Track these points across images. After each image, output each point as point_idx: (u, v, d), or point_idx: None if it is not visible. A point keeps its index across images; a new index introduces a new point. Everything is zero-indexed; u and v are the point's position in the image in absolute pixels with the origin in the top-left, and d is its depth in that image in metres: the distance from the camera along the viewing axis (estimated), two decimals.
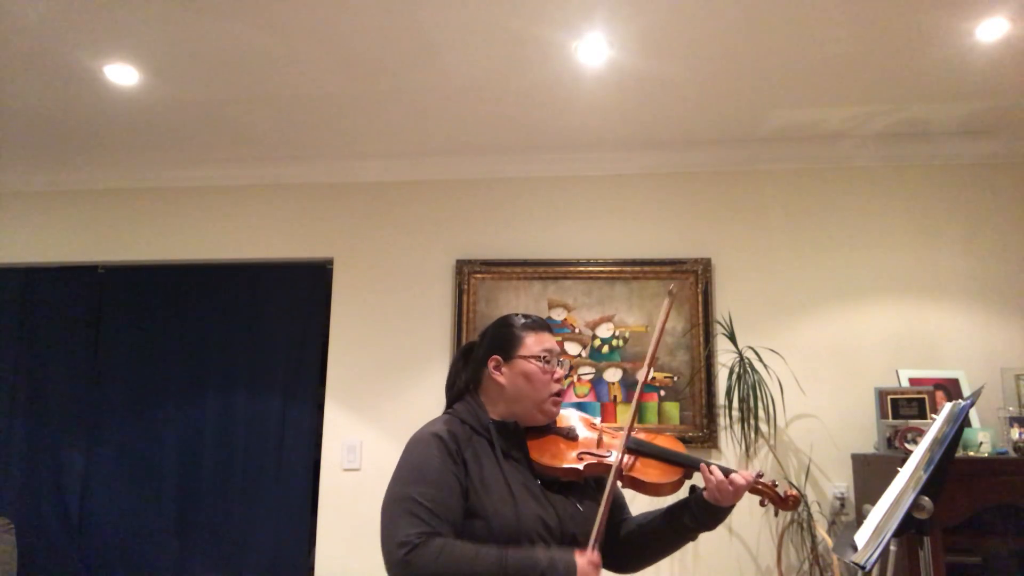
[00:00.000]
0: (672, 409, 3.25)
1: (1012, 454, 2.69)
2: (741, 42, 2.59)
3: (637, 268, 3.37)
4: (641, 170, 3.49)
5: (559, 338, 3.33)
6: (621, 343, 3.33)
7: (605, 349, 3.35)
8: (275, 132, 3.35)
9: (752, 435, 3.09)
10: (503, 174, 3.56)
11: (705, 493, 1.57)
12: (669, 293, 1.71)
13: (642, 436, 1.68)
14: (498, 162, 3.54)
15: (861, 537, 1.55)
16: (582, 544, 1.46)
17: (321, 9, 2.42)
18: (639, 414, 3.27)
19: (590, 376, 3.33)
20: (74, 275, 3.74)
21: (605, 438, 1.65)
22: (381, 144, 3.46)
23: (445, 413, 1.67)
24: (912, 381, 3.05)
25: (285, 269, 3.65)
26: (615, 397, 3.29)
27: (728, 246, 3.39)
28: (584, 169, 3.51)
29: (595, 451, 1.61)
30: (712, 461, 1.59)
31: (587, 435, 1.66)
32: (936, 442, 1.52)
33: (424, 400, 3.37)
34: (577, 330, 3.37)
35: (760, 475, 1.62)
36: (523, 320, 1.69)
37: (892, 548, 1.52)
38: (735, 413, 3.17)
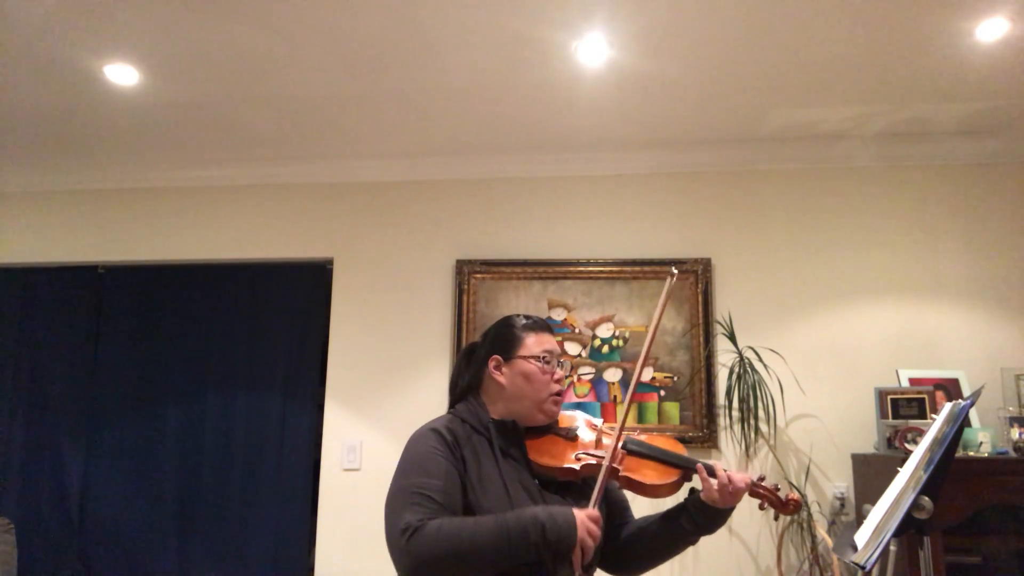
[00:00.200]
0: (672, 409, 3.25)
1: (1012, 454, 2.69)
2: (741, 42, 2.59)
3: (637, 268, 3.37)
4: (641, 170, 3.49)
5: (559, 338, 3.33)
6: (621, 343, 3.33)
7: (605, 349, 3.35)
8: (275, 132, 3.35)
9: (752, 435, 3.09)
10: (503, 174, 3.56)
11: (702, 495, 1.56)
12: (670, 273, 1.72)
13: (642, 437, 1.67)
14: (498, 162, 3.54)
15: (861, 537, 1.55)
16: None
17: (321, 9, 2.42)
18: (638, 413, 3.27)
19: (590, 376, 3.33)
20: (74, 275, 3.74)
21: (604, 439, 1.65)
22: (381, 144, 3.46)
23: (447, 413, 1.68)
24: (912, 381, 3.05)
25: (285, 269, 3.65)
26: (615, 397, 3.29)
27: (728, 246, 3.39)
28: (584, 169, 3.51)
29: (592, 451, 1.61)
30: (710, 462, 1.58)
31: (586, 436, 1.66)
32: (936, 442, 1.52)
33: (424, 400, 3.37)
34: (577, 330, 3.37)
35: (761, 478, 1.61)
36: (524, 321, 1.70)
37: (892, 548, 1.52)
38: (735, 413, 3.17)
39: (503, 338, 1.68)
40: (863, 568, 1.41)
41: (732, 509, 1.58)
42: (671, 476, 1.59)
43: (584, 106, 3.05)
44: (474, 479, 1.51)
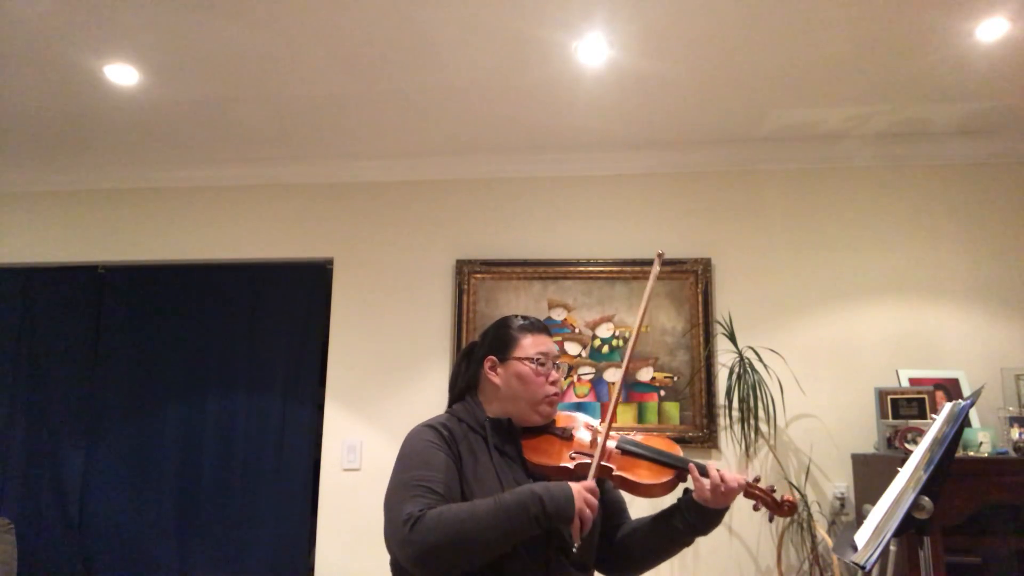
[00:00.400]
0: (672, 409, 3.25)
1: (1012, 454, 2.69)
2: (741, 42, 2.59)
3: (637, 268, 3.37)
4: (641, 170, 3.49)
5: (559, 338, 3.33)
6: (621, 343, 3.33)
7: (605, 349, 3.35)
8: (275, 132, 3.35)
9: (752, 435, 3.09)
10: (503, 174, 3.56)
11: (694, 495, 1.57)
12: (658, 256, 1.73)
13: (638, 437, 1.68)
14: (498, 162, 3.54)
15: (861, 537, 1.55)
16: (569, 541, 1.47)
17: (321, 9, 2.42)
18: (638, 413, 3.27)
19: (590, 376, 3.33)
20: (74, 275, 3.74)
21: (600, 439, 1.65)
22: (381, 144, 3.46)
23: (445, 412, 1.68)
24: (912, 381, 3.05)
25: (285, 269, 3.65)
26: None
27: (728, 246, 3.39)
28: (584, 169, 3.51)
29: (587, 451, 1.61)
30: (703, 462, 1.58)
31: (582, 436, 1.67)
32: (936, 442, 1.52)
33: (424, 400, 3.37)
34: (577, 330, 3.37)
35: (757, 479, 1.61)
36: (521, 322, 1.71)
37: (892, 548, 1.52)
38: (735, 413, 3.17)
39: (499, 339, 1.69)
40: (863, 568, 1.41)
41: (725, 510, 1.58)
42: (665, 475, 1.59)
43: (584, 106, 3.05)
44: (469, 476, 1.51)
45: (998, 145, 3.29)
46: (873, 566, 1.40)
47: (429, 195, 3.59)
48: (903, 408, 2.91)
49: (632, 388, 3.29)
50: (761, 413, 3.08)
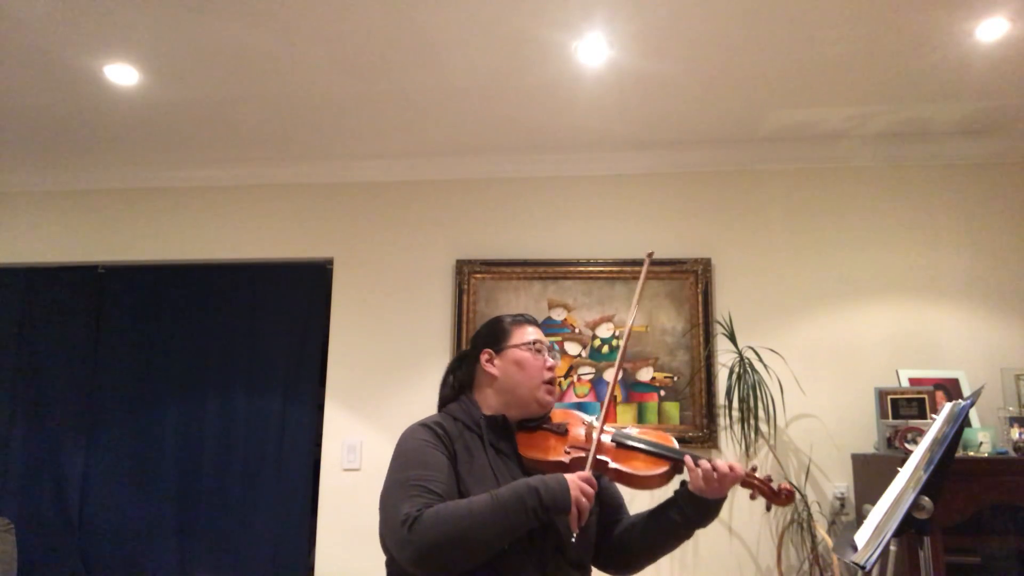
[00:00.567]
0: (672, 409, 3.25)
1: (1012, 454, 2.69)
2: (741, 42, 2.59)
3: (637, 268, 3.37)
4: (641, 170, 3.49)
5: (559, 338, 3.34)
6: (621, 343, 3.33)
7: (605, 349, 3.35)
8: (275, 132, 3.35)
9: (752, 435, 3.09)
10: (503, 174, 3.56)
11: (689, 485, 1.58)
12: (647, 256, 1.79)
13: (634, 431, 1.69)
14: (498, 162, 3.54)
15: (861, 537, 1.55)
16: (565, 536, 1.47)
17: (321, 9, 2.42)
18: (638, 413, 3.27)
19: (590, 376, 3.33)
20: (74, 275, 3.74)
21: (595, 434, 1.66)
22: (381, 144, 3.46)
23: (439, 412, 1.70)
24: (912, 381, 3.05)
25: (285, 269, 3.65)
26: (615, 397, 3.29)
27: (728, 246, 3.39)
28: (584, 169, 3.51)
29: (582, 446, 1.62)
30: (698, 454, 1.59)
31: (577, 431, 1.67)
32: (936, 442, 1.52)
33: (424, 400, 3.36)
34: (577, 330, 3.37)
35: (754, 468, 1.63)
36: (511, 317, 1.76)
37: (892, 548, 1.51)
38: (735, 413, 3.16)
39: (493, 333, 1.73)
40: (863, 568, 1.41)
41: (722, 501, 1.59)
42: (660, 467, 1.60)
43: (584, 106, 3.05)
44: (465, 473, 1.52)
45: (998, 145, 3.29)
46: (873, 566, 1.40)
47: (429, 195, 3.59)
48: (903, 408, 2.91)
49: (632, 388, 3.29)
50: (761, 413, 3.08)
